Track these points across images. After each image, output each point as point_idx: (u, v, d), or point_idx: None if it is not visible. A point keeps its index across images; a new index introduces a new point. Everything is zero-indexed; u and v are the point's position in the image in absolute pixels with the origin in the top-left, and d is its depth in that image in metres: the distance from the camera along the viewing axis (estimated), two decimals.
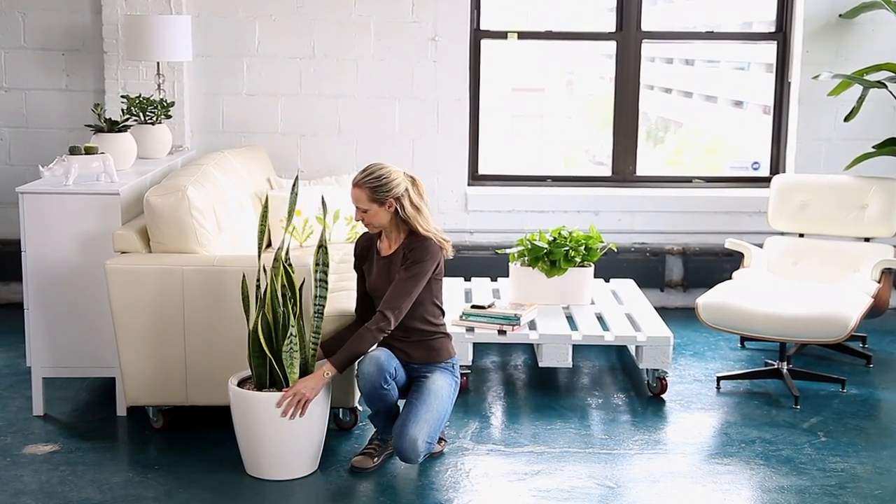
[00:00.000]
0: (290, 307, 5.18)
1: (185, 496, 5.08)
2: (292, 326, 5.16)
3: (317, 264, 5.33)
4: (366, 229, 5.49)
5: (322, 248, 5.33)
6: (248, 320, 5.29)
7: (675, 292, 8.41)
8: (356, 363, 5.41)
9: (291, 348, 5.15)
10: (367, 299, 5.57)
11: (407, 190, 5.35)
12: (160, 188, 5.81)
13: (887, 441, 5.86)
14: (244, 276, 5.31)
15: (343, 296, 5.92)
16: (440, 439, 5.65)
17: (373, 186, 5.30)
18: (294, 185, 5.35)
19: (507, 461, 5.55)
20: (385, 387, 5.31)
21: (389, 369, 5.32)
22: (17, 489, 5.15)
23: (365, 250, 5.56)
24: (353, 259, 5.62)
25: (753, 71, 10.13)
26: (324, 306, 5.32)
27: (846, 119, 7.53)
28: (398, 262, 5.39)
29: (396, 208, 5.34)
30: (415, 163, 8.19)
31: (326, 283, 5.33)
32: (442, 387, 5.42)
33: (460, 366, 6.37)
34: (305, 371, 5.28)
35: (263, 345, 5.13)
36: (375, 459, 5.44)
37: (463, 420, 6.05)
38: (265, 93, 8.19)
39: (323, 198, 5.51)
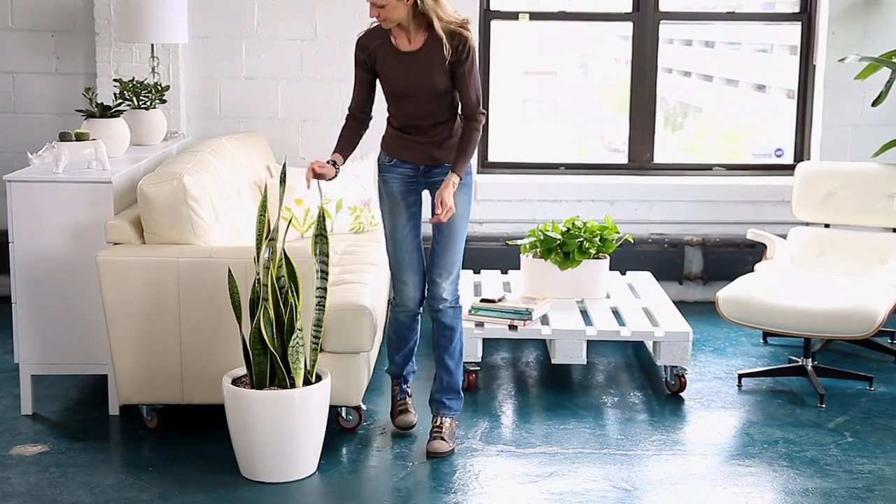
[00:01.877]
0: (295, 302, 5.17)
1: (180, 499, 5.07)
2: (298, 321, 5.16)
3: (315, 254, 5.31)
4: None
5: (321, 237, 5.31)
6: (238, 317, 5.27)
7: (694, 285, 8.39)
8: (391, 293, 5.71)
9: (298, 343, 5.14)
10: (369, 100, 5.59)
11: None
12: (154, 176, 5.79)
13: None
14: (230, 270, 5.31)
15: (347, 289, 5.90)
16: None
17: None
18: (282, 173, 5.33)
19: (519, 462, 5.54)
20: (416, 321, 5.79)
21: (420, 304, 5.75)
22: (5, 492, 5.14)
23: (379, 48, 5.46)
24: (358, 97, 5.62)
25: (777, 53, 10.11)
26: (325, 297, 5.31)
27: (874, 104, 7.49)
28: (437, 56, 5.37)
29: (416, 1, 5.30)
30: None
31: (327, 273, 5.32)
32: (460, 218, 5.59)
33: (469, 363, 6.38)
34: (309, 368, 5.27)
35: (267, 341, 5.12)
36: (414, 413, 5.89)
37: (472, 419, 6.03)
38: (264, 76, 8.18)
39: (318, 184, 5.50)
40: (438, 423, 5.69)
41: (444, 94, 5.46)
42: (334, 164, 5.47)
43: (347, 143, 5.60)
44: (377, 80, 5.56)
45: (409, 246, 5.67)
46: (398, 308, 5.77)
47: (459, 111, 5.57)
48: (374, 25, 5.51)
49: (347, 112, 5.64)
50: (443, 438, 5.62)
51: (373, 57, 5.47)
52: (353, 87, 5.61)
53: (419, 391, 6.19)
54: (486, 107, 5.59)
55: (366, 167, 7.51)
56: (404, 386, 5.98)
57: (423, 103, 5.47)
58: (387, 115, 5.65)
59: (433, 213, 5.43)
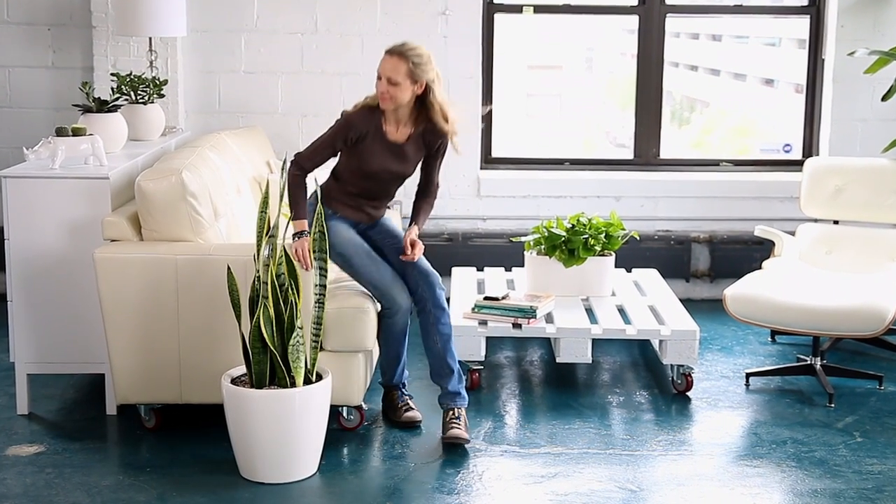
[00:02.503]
0: (296, 299, 5.17)
1: (178, 500, 5.06)
2: (299, 319, 5.15)
3: (314, 251, 5.31)
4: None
5: (320, 234, 5.31)
6: (237, 315, 5.26)
7: (701, 283, 8.38)
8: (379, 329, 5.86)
9: (298, 342, 5.14)
10: (327, 170, 5.81)
11: (436, 76, 5.63)
12: (152, 172, 5.79)
13: None
14: (229, 267, 5.30)
15: (347, 286, 5.88)
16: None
17: (416, 62, 5.57)
18: (283, 170, 5.33)
19: (523, 463, 5.53)
20: (408, 320, 5.90)
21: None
22: (0, 493, 5.13)
23: (369, 128, 5.67)
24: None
25: (785, 47, 10.10)
26: (324, 295, 5.31)
27: (884, 98, 7.49)
28: (416, 150, 5.77)
29: (428, 90, 5.60)
30: None
31: (326, 270, 5.31)
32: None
33: (472, 362, 6.39)
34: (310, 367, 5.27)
35: (267, 340, 5.11)
36: (418, 410, 5.94)
37: (475, 419, 6.02)
38: (264, 70, 8.17)
39: (315, 180, 5.51)
40: (456, 414, 5.75)
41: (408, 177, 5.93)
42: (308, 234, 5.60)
43: (304, 203, 5.70)
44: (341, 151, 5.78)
45: (378, 256, 5.84)
46: (396, 314, 5.79)
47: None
48: (364, 105, 5.74)
49: (299, 168, 5.71)
50: (460, 427, 5.67)
51: (361, 137, 5.68)
52: (321, 146, 5.74)
53: (416, 391, 6.20)
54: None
55: None
56: (404, 390, 6.05)
57: (389, 184, 5.82)
58: (333, 172, 5.85)
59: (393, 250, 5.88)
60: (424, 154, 5.81)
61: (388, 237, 5.90)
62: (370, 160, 5.67)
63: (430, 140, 5.76)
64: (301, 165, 5.71)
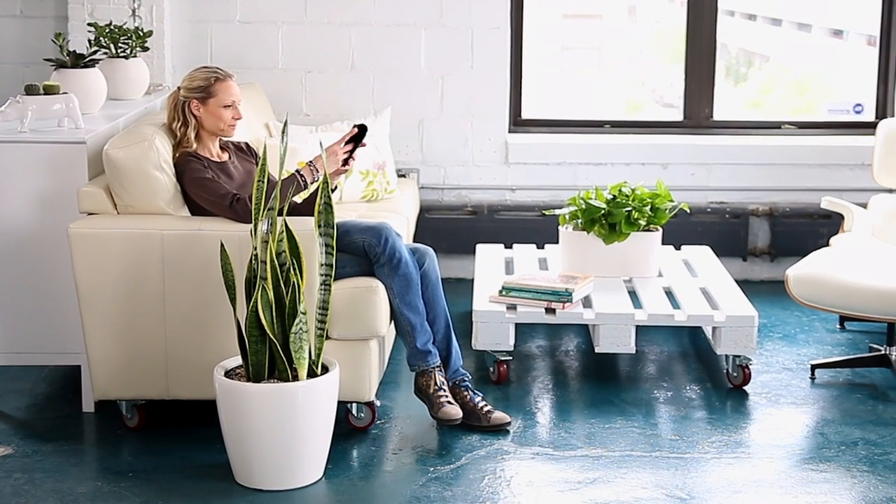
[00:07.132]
0: (298, 281, 5.14)
1: None
2: (302, 304, 5.13)
3: (319, 226, 5.28)
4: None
5: (327, 206, 5.28)
6: (232, 299, 5.25)
7: (760, 262, 8.36)
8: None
9: (301, 329, 5.12)
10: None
11: None
12: (121, 138, 5.75)
13: None
14: (222, 244, 5.28)
15: None
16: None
17: None
18: (283, 133, 5.29)
19: (557, 467, 5.52)
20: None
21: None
22: None
23: (209, 160, 5.92)
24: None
25: None
26: (331, 276, 5.29)
27: None
28: (238, 162, 6.03)
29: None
30: (444, 104, 8.15)
31: (333, 248, 5.28)
32: None
33: (500, 352, 6.37)
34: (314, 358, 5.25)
35: (266, 327, 5.09)
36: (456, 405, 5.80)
37: None
38: (263, 20, 8.15)
39: (321, 143, 5.50)
40: (482, 401, 5.90)
41: None
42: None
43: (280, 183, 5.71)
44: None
45: None
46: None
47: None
48: (181, 151, 5.87)
49: (240, 204, 5.68)
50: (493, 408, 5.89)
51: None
52: (215, 183, 5.79)
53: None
54: None
55: (380, 126, 7.48)
56: (468, 383, 5.97)
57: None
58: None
59: None
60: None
61: None
62: (237, 180, 5.89)
63: (241, 150, 6.14)
64: (243, 202, 5.66)
